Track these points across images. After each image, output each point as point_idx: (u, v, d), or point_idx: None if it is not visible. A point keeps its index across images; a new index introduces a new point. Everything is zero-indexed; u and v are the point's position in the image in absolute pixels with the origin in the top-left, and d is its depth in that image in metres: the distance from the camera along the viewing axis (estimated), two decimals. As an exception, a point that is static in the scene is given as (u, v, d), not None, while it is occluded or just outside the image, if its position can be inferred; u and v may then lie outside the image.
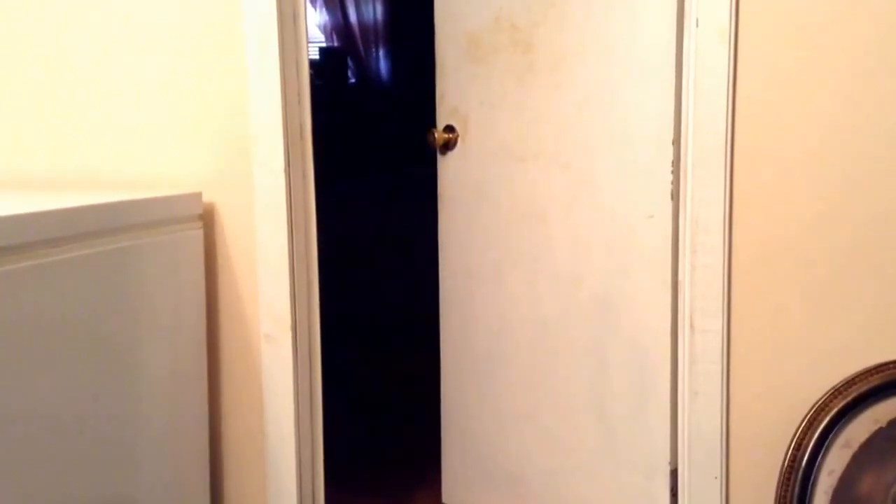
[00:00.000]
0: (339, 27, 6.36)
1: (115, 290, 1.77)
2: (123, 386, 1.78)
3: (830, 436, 1.82)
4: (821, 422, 1.82)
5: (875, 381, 1.82)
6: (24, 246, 1.53)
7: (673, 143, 1.89)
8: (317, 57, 5.99)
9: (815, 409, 1.83)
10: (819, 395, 1.83)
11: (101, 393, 1.72)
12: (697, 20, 1.82)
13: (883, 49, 1.76)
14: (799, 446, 1.83)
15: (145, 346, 1.85)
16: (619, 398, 2.07)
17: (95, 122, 2.10)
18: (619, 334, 2.05)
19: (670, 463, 1.98)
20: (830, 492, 1.81)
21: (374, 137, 5.60)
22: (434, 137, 2.41)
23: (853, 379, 1.83)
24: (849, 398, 1.82)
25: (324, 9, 6.34)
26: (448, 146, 2.40)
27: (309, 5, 5.94)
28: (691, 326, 1.89)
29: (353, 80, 6.31)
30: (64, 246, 1.63)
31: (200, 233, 2.03)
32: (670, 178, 1.91)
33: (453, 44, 2.34)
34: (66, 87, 2.10)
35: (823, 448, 1.82)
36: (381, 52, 6.30)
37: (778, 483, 1.85)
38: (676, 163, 1.90)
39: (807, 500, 1.82)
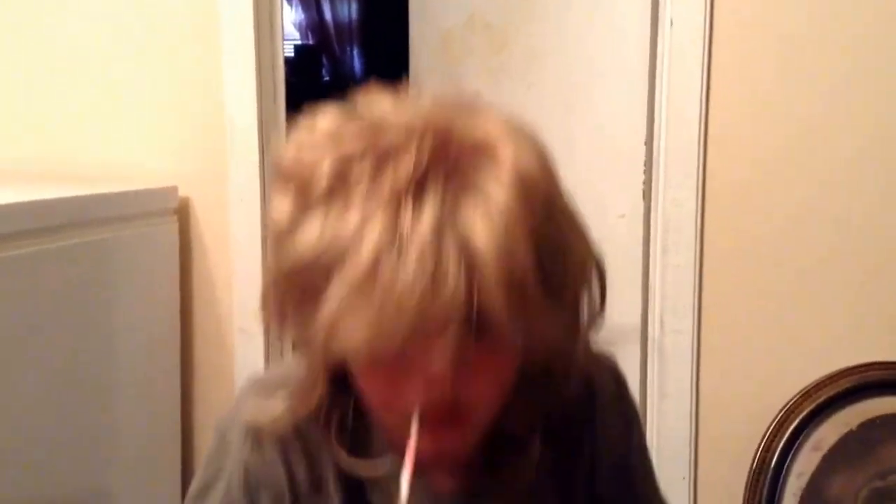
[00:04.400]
0: (315, 25, 6.29)
1: (90, 283, 1.69)
2: (98, 377, 1.71)
3: (800, 438, 1.75)
4: (790, 424, 1.75)
5: (845, 384, 1.74)
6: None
7: (645, 143, 1.81)
8: (292, 54, 5.89)
9: (784, 411, 1.76)
10: (789, 398, 1.76)
11: (75, 383, 1.64)
12: (672, 20, 1.73)
13: (858, 48, 1.69)
14: (768, 448, 1.76)
15: (120, 338, 1.77)
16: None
17: (71, 115, 2.00)
18: (589, 333, 1.97)
19: (639, 463, 1.90)
20: (799, 493, 1.74)
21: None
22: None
23: (823, 381, 1.75)
24: (818, 401, 1.74)
25: (299, 7, 6.27)
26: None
27: (285, 3, 5.88)
28: (661, 326, 1.81)
29: (327, 78, 6.22)
30: (38, 238, 1.55)
31: (176, 226, 1.94)
32: (642, 177, 1.82)
33: (427, 42, 2.26)
34: (42, 79, 2.01)
35: (793, 450, 1.75)
36: (356, 51, 6.22)
37: (746, 485, 1.76)
38: (649, 163, 1.81)
39: (775, 503, 1.74)
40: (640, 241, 1.84)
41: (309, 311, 0.66)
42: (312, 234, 0.66)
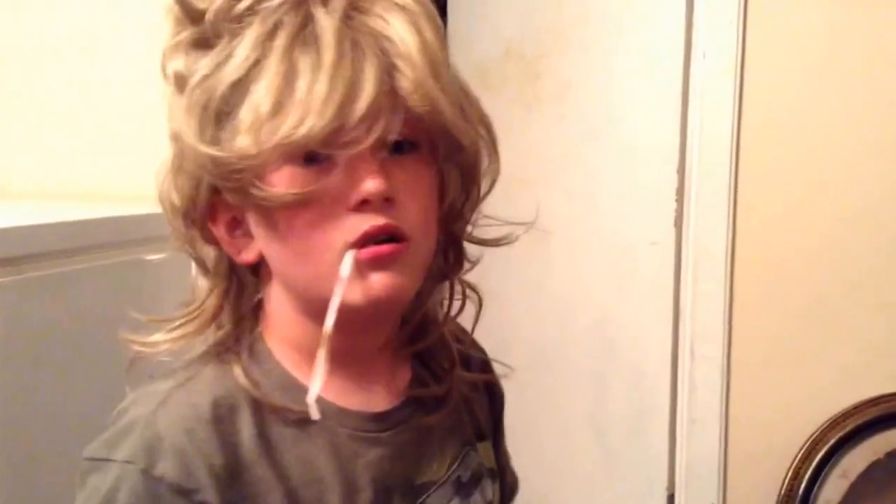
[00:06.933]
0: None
1: (120, 303, 1.65)
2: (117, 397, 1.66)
3: (827, 466, 1.72)
4: (818, 452, 1.72)
5: (873, 413, 1.71)
6: (33, 256, 1.42)
7: (677, 172, 1.79)
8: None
9: (812, 439, 1.73)
10: (817, 426, 1.73)
11: (99, 410, 1.59)
12: (704, 53, 1.73)
13: (892, 75, 1.68)
14: (796, 476, 1.72)
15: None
16: (619, 422, 1.95)
17: (107, 136, 1.97)
18: (619, 359, 1.93)
19: (667, 488, 1.86)
20: (827, 521, 1.71)
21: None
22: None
23: (851, 410, 1.72)
24: (846, 429, 1.71)
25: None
26: (453, 171, 2.30)
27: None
28: (691, 353, 1.78)
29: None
30: (69, 258, 1.52)
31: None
32: (674, 205, 1.80)
33: (463, 72, 2.24)
34: (80, 106, 1.98)
35: (820, 478, 1.72)
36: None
37: (775, 511, 1.74)
38: (680, 191, 1.79)
39: (803, 530, 1.71)
40: (672, 267, 1.81)
41: (231, 127, 0.63)
42: (228, 54, 0.63)
